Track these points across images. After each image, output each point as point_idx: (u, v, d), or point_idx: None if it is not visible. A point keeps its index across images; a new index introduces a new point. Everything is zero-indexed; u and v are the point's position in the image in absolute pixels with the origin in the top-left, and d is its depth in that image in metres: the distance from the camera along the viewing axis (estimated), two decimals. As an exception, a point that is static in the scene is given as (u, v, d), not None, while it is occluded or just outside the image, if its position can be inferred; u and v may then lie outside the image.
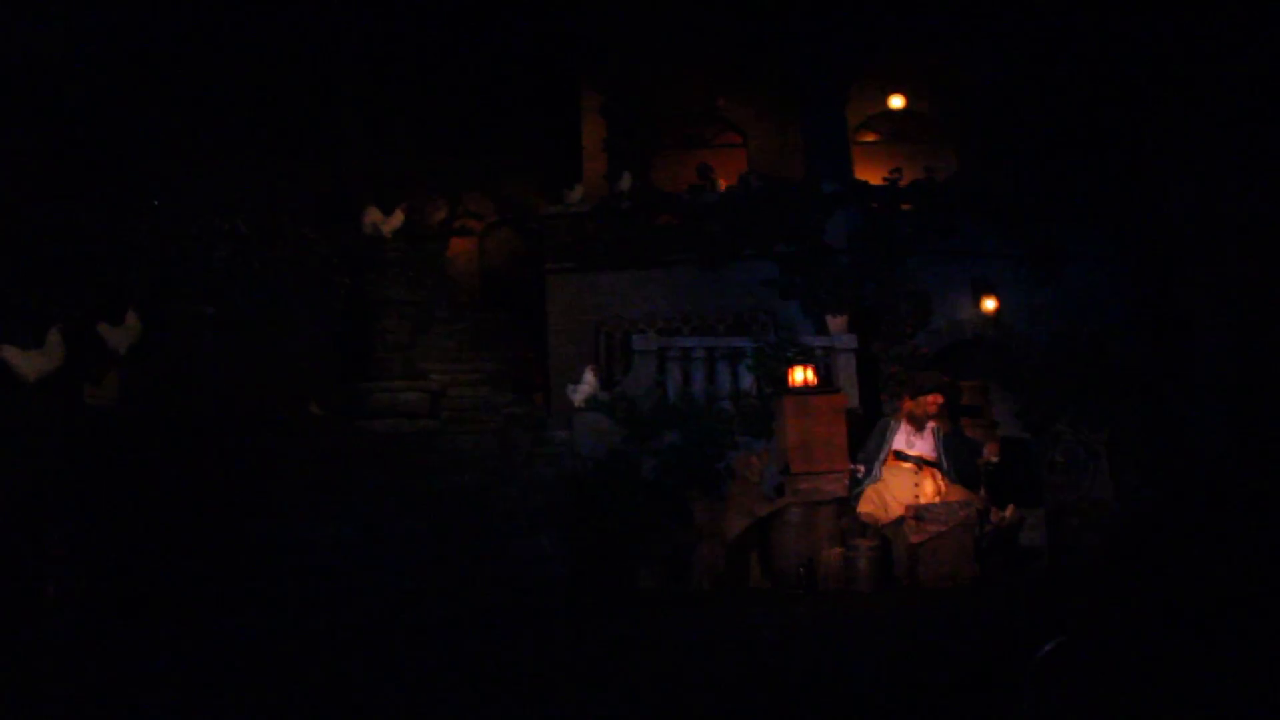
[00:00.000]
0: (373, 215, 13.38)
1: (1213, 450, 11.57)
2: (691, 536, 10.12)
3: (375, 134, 16.46)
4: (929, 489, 10.14)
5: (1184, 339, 13.07)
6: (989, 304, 12.88)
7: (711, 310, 13.02)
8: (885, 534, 9.71)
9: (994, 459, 10.30)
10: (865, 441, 10.55)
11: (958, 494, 9.98)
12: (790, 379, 10.85)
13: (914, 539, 9.39)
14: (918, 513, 9.49)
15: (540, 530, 9.32)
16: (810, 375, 10.86)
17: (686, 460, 10.78)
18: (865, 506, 10.01)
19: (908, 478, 10.26)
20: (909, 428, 10.41)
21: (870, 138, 17.08)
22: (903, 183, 13.39)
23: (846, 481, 10.15)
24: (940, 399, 10.45)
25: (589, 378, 11.19)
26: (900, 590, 9.39)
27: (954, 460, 10.33)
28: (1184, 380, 12.40)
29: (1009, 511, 9.89)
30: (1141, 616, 7.33)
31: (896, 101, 16.41)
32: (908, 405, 10.49)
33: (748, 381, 11.42)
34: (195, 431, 9.35)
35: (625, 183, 13.77)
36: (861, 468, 10.30)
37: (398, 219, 13.31)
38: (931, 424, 10.42)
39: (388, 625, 8.03)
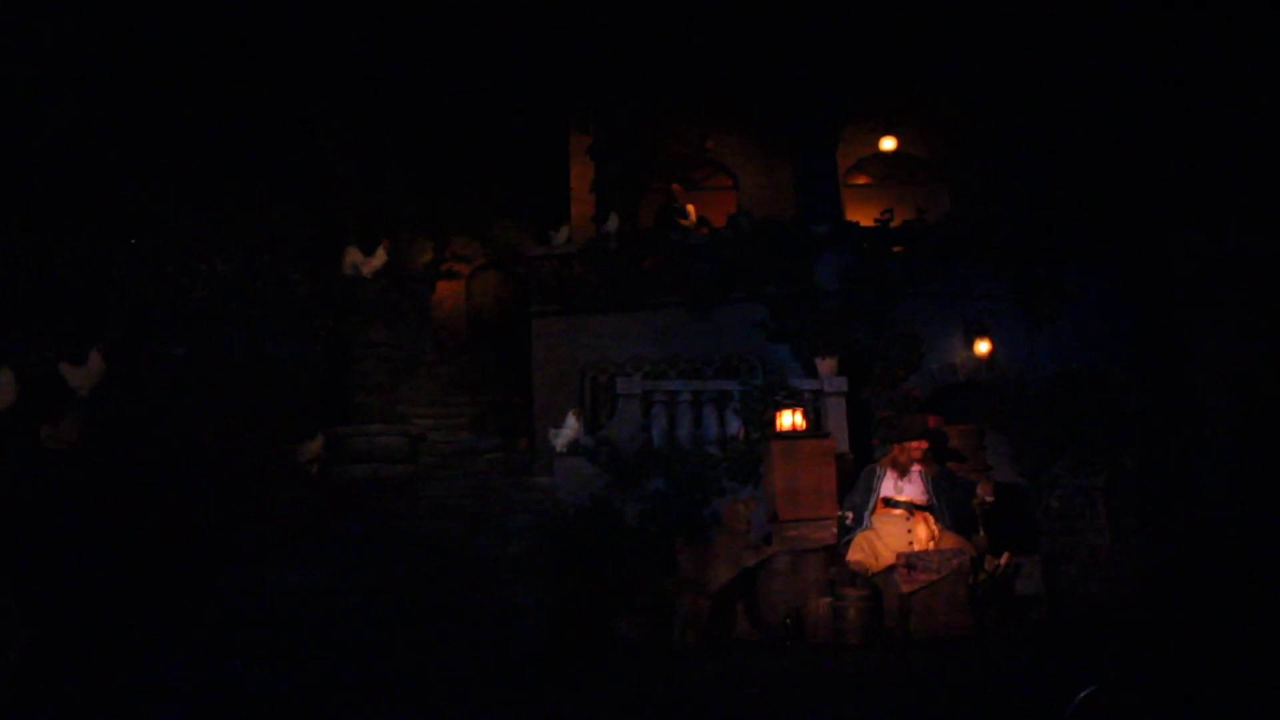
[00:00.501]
0: (353, 255, 13.13)
1: (1214, 495, 11.27)
2: (676, 586, 9.76)
3: (363, 176, 16.33)
4: (922, 534, 9.77)
5: (1183, 381, 12.79)
6: (983, 346, 12.59)
7: (699, 353, 12.70)
8: (876, 583, 9.35)
9: (989, 498, 9.89)
10: (852, 489, 10.21)
11: (951, 541, 9.62)
12: (778, 423, 10.54)
13: (905, 588, 9.03)
14: (909, 561, 9.14)
15: (518, 580, 8.98)
16: (799, 419, 10.56)
17: (671, 507, 10.46)
18: (855, 554, 9.63)
19: (900, 524, 9.88)
20: (895, 473, 10.07)
21: (862, 180, 16.94)
22: (894, 224, 13.16)
23: (835, 529, 9.82)
24: (925, 445, 10.12)
25: (571, 422, 10.89)
26: (891, 642, 9.03)
27: (946, 502, 9.98)
28: (1184, 424, 12.11)
29: (1004, 559, 9.54)
30: (1166, 664, 7.04)
31: (888, 143, 16.26)
32: (894, 451, 10.16)
33: (735, 426, 11.12)
34: (162, 475, 9.04)
35: (612, 224, 13.54)
36: (850, 514, 9.94)
37: (379, 259, 13.06)
38: (917, 467, 10.08)
39: (357, 680, 7.68)
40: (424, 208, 17.01)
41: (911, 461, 10.04)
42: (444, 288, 17.30)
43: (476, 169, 16.85)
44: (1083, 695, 4.61)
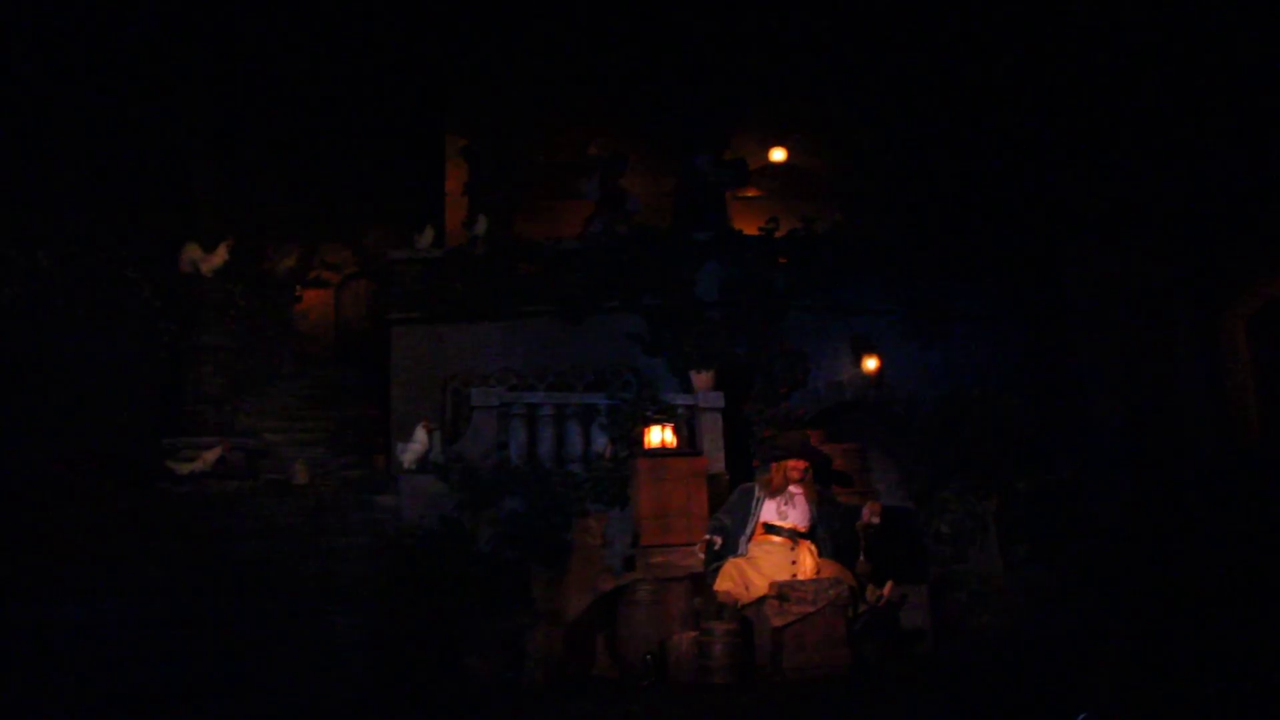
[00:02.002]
0: (192, 252, 11.95)
1: (1107, 519, 10.71)
2: (530, 617, 8.80)
3: (224, 173, 15.29)
4: (809, 564, 8.84)
5: (1077, 403, 12.31)
6: (871, 363, 11.94)
7: (572, 365, 11.84)
8: (746, 616, 8.47)
9: (876, 519, 9.08)
10: (723, 508, 9.31)
11: (830, 569, 8.78)
12: (646, 440, 9.69)
13: (777, 622, 8.14)
14: (782, 591, 8.26)
15: (343, 609, 7.97)
16: (669, 436, 9.72)
17: (528, 530, 9.50)
18: (723, 584, 8.66)
19: (783, 553, 8.90)
20: (777, 497, 9.15)
21: (752, 193, 16.26)
22: (780, 233, 12.46)
23: (702, 555, 8.90)
24: (803, 465, 9.26)
25: (420, 436, 9.94)
26: (762, 680, 8.17)
27: (828, 529, 9.13)
28: (1077, 447, 11.59)
29: (887, 589, 8.71)
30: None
31: (778, 154, 15.65)
32: (770, 471, 9.25)
33: (601, 443, 10.23)
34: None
35: (480, 227, 12.64)
36: (719, 539, 9.00)
37: (220, 257, 11.90)
38: (799, 490, 9.21)
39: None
40: (292, 211, 16.03)
41: (788, 482, 9.16)
42: (311, 296, 16.31)
43: (350, 173, 15.98)
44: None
